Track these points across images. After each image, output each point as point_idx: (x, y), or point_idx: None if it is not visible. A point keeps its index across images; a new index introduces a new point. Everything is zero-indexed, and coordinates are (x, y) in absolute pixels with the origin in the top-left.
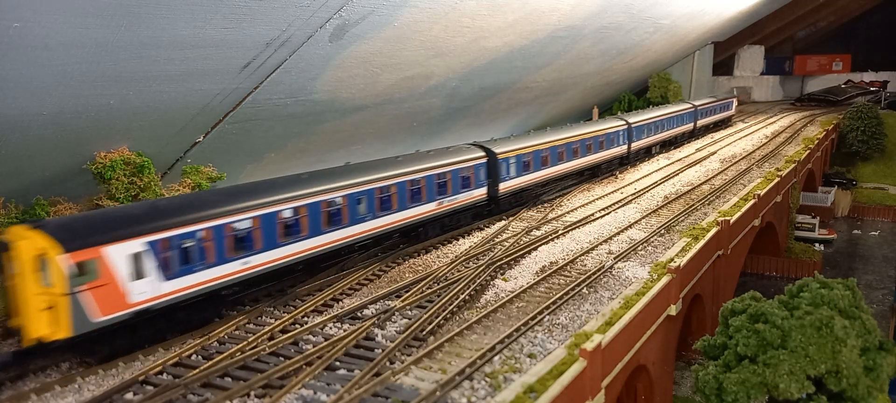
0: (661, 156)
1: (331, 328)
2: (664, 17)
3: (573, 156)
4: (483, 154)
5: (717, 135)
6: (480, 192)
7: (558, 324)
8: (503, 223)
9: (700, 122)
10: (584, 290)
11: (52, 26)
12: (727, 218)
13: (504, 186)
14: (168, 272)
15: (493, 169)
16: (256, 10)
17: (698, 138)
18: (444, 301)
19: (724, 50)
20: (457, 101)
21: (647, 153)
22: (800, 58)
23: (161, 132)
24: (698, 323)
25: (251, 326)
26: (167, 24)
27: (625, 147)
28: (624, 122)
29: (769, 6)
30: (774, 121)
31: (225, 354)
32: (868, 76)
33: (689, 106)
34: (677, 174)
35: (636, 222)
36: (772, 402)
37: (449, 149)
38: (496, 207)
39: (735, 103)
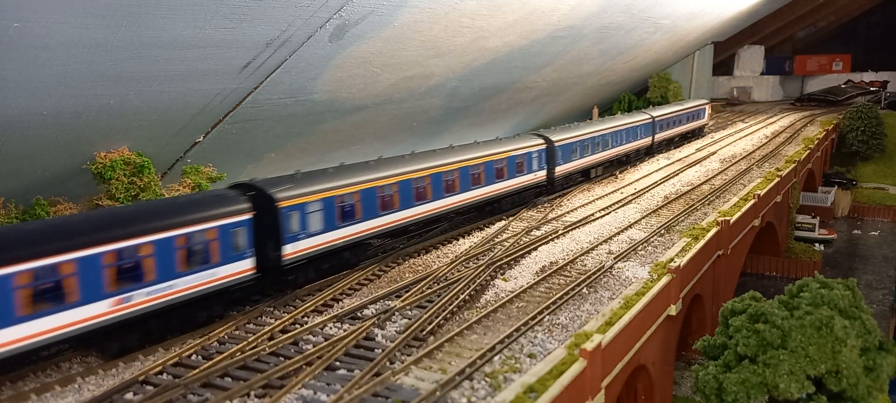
0: (661, 156)
1: (331, 328)
2: (664, 17)
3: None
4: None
5: (716, 135)
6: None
7: (558, 324)
8: (503, 223)
9: (660, 136)
10: (584, 290)
11: (52, 26)
12: (727, 218)
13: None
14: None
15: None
16: (256, 10)
17: (657, 154)
18: (444, 301)
19: (724, 50)
20: (457, 101)
21: (584, 175)
22: (800, 58)
23: (161, 132)
24: (698, 323)
25: (251, 326)
26: (167, 24)
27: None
28: (543, 140)
29: (769, 6)
30: (774, 121)
31: (225, 354)
32: (868, 76)
33: (646, 117)
34: (677, 174)
35: (636, 222)
36: (772, 402)
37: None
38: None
39: (708, 110)
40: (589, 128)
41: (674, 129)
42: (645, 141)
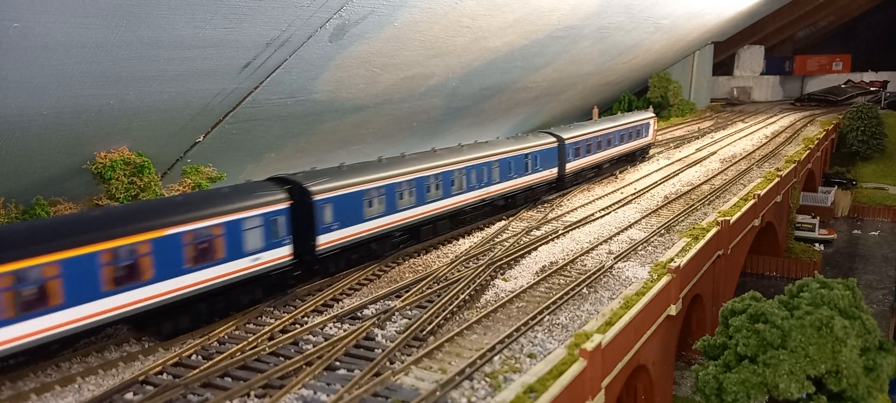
0: (661, 156)
1: (331, 328)
2: (664, 17)
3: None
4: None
5: (716, 135)
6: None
7: (558, 324)
8: (503, 223)
9: (573, 166)
10: (584, 290)
11: (52, 26)
12: (727, 218)
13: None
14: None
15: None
16: (256, 10)
17: (569, 189)
18: (444, 301)
19: (724, 50)
20: (457, 101)
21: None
22: (800, 58)
23: (161, 132)
24: (698, 323)
25: (251, 326)
26: (167, 24)
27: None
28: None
29: (769, 6)
30: (774, 121)
31: (225, 354)
32: (868, 76)
33: (550, 140)
34: (677, 174)
35: (636, 222)
36: (772, 402)
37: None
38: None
39: (653, 126)
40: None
41: (596, 155)
42: (548, 174)
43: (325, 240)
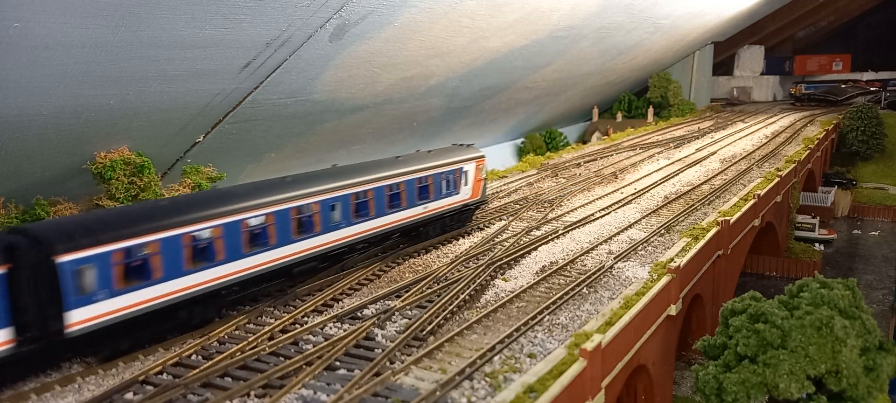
0: (661, 156)
1: (331, 328)
2: (664, 17)
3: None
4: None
5: (717, 135)
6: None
7: (558, 324)
8: (503, 223)
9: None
10: (584, 290)
11: (52, 26)
12: (727, 218)
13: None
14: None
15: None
16: (256, 10)
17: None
18: (444, 301)
19: (724, 50)
20: (457, 101)
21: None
22: (800, 58)
23: (161, 132)
24: (698, 323)
25: (251, 326)
26: (167, 24)
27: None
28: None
29: (769, 6)
30: (774, 121)
31: (225, 354)
32: (868, 76)
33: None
34: (677, 174)
35: (636, 222)
36: (772, 402)
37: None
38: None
39: (474, 172)
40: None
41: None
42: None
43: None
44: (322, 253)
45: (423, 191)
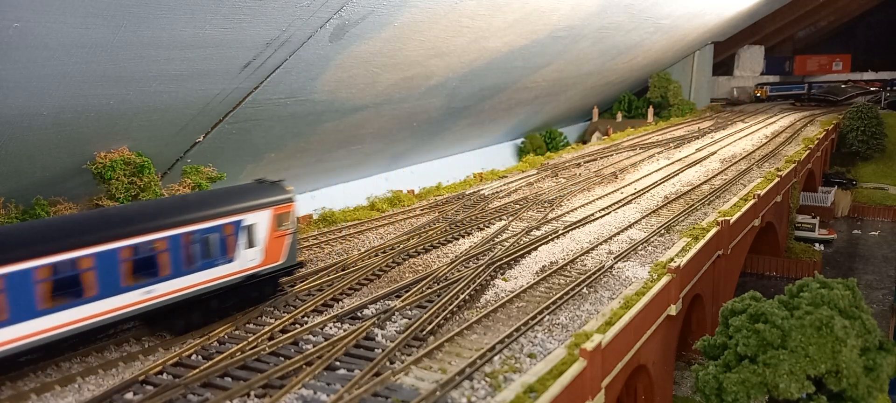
0: (661, 156)
1: (331, 328)
2: (664, 17)
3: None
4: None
5: (717, 135)
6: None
7: (558, 324)
8: (503, 223)
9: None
10: (584, 290)
11: (52, 26)
12: (727, 218)
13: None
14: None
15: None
16: (256, 10)
17: None
18: (444, 301)
19: (724, 50)
20: (457, 101)
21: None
22: (800, 58)
23: (161, 132)
24: (698, 323)
25: (251, 326)
26: (167, 24)
27: None
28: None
29: (769, 6)
30: (774, 121)
31: (225, 354)
32: (868, 76)
33: None
34: (677, 174)
35: (636, 222)
36: (772, 402)
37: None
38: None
39: (270, 227)
40: None
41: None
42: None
43: None
44: None
45: (145, 266)
